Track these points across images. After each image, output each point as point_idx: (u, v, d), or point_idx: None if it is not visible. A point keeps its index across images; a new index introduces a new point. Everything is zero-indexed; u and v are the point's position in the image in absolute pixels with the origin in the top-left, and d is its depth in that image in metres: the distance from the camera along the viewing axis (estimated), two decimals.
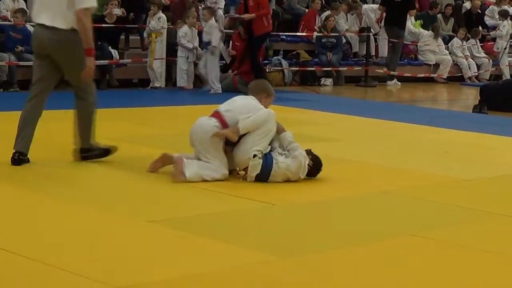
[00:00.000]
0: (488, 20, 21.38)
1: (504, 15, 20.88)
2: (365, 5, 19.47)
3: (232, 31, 15.84)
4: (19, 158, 7.13)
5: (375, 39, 18.68)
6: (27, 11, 13.95)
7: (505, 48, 20.45)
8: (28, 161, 7.20)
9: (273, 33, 17.39)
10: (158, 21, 14.46)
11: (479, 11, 21.52)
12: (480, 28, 20.73)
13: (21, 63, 13.25)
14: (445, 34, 20.31)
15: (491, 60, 20.18)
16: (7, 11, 13.98)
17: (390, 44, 18.28)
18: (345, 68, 17.52)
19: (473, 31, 20.31)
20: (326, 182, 6.94)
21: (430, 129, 10.89)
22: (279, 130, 6.96)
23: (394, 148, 9.17)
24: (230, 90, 14.38)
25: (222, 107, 7.03)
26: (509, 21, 20.76)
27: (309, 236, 5.43)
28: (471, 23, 20.77)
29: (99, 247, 4.89)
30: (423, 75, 18.73)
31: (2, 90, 13.16)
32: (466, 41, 20.14)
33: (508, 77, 19.38)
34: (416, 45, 19.40)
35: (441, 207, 6.40)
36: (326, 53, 17.26)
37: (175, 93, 14.08)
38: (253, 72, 14.36)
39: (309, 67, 17.04)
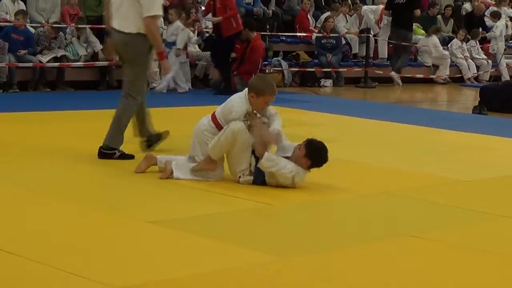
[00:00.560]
0: (488, 22, 21.39)
1: (496, 16, 20.90)
2: (365, 6, 19.48)
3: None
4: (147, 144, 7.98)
5: (375, 40, 18.70)
6: (28, 12, 14.00)
7: (504, 49, 20.48)
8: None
9: (273, 34, 17.45)
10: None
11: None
12: (480, 29, 20.73)
13: (21, 64, 13.26)
14: (445, 35, 20.33)
15: (490, 61, 20.19)
16: (6, 13, 13.96)
17: (391, 45, 18.31)
18: (345, 69, 17.53)
19: (473, 32, 20.33)
20: (325, 183, 6.93)
21: (430, 130, 10.89)
22: (270, 140, 6.75)
23: (394, 149, 9.18)
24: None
25: (219, 106, 7.02)
26: (503, 22, 20.79)
27: (308, 237, 5.43)
28: (471, 25, 20.77)
29: (98, 248, 4.89)
30: (422, 76, 18.73)
31: (1, 91, 13.16)
32: (466, 42, 20.15)
33: (508, 78, 19.38)
34: (415, 46, 19.40)
35: (440, 208, 6.40)
36: (326, 54, 17.27)
37: (174, 94, 14.07)
38: (221, 73, 14.43)
39: (308, 68, 17.05)
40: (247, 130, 6.68)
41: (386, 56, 18.89)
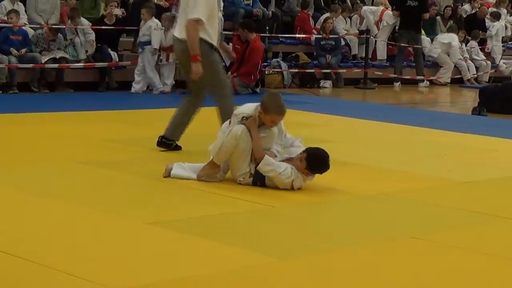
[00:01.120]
0: (488, 23, 21.40)
1: (495, 16, 20.91)
2: (365, 6, 19.49)
3: (232, 33, 15.87)
4: (161, 141, 8.13)
5: (375, 41, 18.71)
6: (19, 12, 13.94)
7: (504, 50, 20.49)
8: (174, 146, 8.15)
9: (272, 35, 17.44)
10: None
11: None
12: (480, 31, 20.73)
13: (20, 65, 13.25)
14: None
15: (490, 63, 20.19)
16: (4, 15, 13.95)
17: (391, 46, 18.33)
18: (344, 70, 17.52)
19: (473, 33, 20.34)
20: (325, 184, 6.92)
21: (430, 131, 10.89)
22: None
23: (394, 150, 9.17)
24: None
25: None
26: (502, 23, 20.80)
27: (308, 238, 5.43)
28: (471, 26, 20.77)
29: (98, 249, 4.88)
30: (421, 77, 18.73)
31: (1, 92, 13.15)
32: (466, 44, 20.15)
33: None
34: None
35: (441, 210, 6.40)
36: (325, 55, 17.26)
37: (174, 95, 14.05)
38: None
39: (308, 69, 17.04)
40: (249, 134, 6.64)
41: (385, 57, 18.90)
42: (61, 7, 14.88)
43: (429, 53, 19.37)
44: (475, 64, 20.04)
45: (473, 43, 20.28)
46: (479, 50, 20.36)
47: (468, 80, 19.62)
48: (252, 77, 14.81)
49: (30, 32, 13.90)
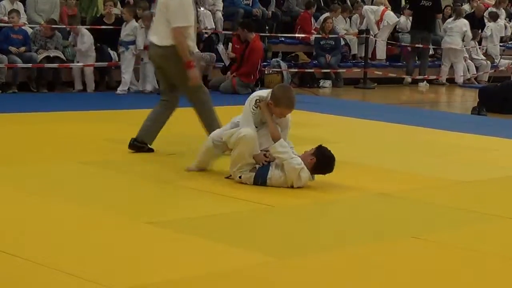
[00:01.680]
0: (487, 22, 21.39)
1: (493, 16, 20.92)
2: (365, 6, 19.49)
3: (231, 33, 15.87)
4: (133, 144, 7.96)
5: (375, 41, 18.72)
6: (20, 11, 13.94)
7: (503, 51, 20.48)
8: (146, 149, 7.97)
9: (272, 35, 17.44)
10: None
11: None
12: (480, 30, 20.73)
13: (20, 65, 13.24)
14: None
15: (489, 62, 20.18)
16: (4, 15, 13.95)
17: (390, 46, 18.34)
18: (344, 70, 17.52)
19: (472, 33, 20.31)
20: (325, 184, 6.93)
21: (429, 131, 10.89)
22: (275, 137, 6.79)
23: (393, 150, 9.17)
24: (230, 92, 14.41)
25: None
26: (501, 23, 20.79)
27: (308, 238, 5.43)
28: (470, 25, 20.74)
29: (97, 249, 4.88)
30: (421, 77, 18.74)
31: (1, 92, 13.15)
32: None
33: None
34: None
35: (441, 209, 6.40)
36: (325, 55, 17.27)
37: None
38: None
39: (307, 69, 17.05)
40: (254, 141, 6.68)
41: (385, 57, 18.92)
42: (61, 7, 14.88)
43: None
44: (475, 63, 20.03)
45: (472, 43, 20.27)
46: (478, 50, 20.36)
47: (468, 79, 19.62)
48: (252, 77, 14.81)
49: (30, 32, 13.91)
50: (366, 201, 6.60)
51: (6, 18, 13.77)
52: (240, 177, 6.77)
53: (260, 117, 6.83)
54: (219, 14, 16.59)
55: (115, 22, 14.50)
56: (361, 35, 18.36)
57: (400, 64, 19.26)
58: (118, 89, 13.93)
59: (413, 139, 10.15)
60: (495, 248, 5.37)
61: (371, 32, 18.43)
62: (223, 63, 15.38)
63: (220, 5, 16.72)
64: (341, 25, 18.60)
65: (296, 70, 16.88)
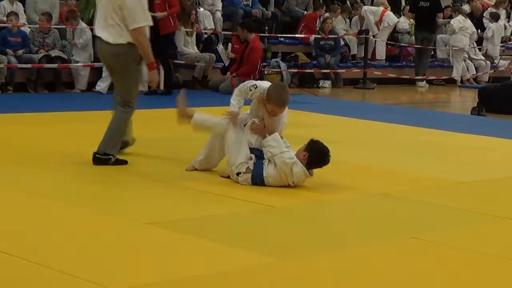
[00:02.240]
0: (486, 23, 21.40)
1: (494, 17, 20.92)
2: (365, 6, 19.49)
3: (230, 33, 15.86)
4: (96, 157, 7.42)
5: (375, 41, 18.73)
6: (18, 14, 13.93)
7: (503, 51, 20.48)
8: (116, 162, 7.44)
9: (272, 35, 17.44)
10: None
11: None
12: (479, 30, 20.72)
13: (20, 65, 13.24)
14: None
15: (489, 63, 20.18)
16: (3, 16, 13.93)
17: (389, 47, 18.35)
18: (344, 70, 17.52)
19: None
20: (324, 184, 6.93)
21: (429, 131, 10.89)
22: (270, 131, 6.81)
23: (393, 150, 9.17)
24: (229, 92, 14.36)
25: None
26: (501, 24, 20.80)
27: (308, 238, 5.43)
28: None
29: (98, 249, 4.89)
30: (421, 77, 18.74)
31: (0, 92, 13.15)
32: None
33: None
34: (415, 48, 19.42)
35: (440, 210, 6.40)
36: (324, 55, 17.27)
37: (173, 96, 14.03)
38: (165, 71, 13.90)
39: (307, 69, 17.05)
40: (238, 131, 6.82)
41: (384, 58, 18.92)
42: (60, 7, 14.88)
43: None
44: (474, 64, 20.03)
45: (472, 43, 20.27)
46: (477, 50, 20.36)
47: (467, 80, 19.61)
48: (252, 77, 14.69)
49: (28, 32, 13.90)
50: (366, 201, 6.60)
51: (5, 19, 13.76)
52: (238, 174, 6.77)
53: (260, 112, 6.90)
54: (219, 14, 16.60)
55: None
56: (361, 36, 18.36)
57: (400, 64, 19.26)
58: (98, 83, 13.73)
59: (413, 140, 10.15)
60: (495, 248, 5.37)
61: (371, 33, 18.42)
62: (222, 64, 15.37)
63: (219, 5, 16.73)
64: (341, 25, 18.61)
65: (295, 70, 16.88)
